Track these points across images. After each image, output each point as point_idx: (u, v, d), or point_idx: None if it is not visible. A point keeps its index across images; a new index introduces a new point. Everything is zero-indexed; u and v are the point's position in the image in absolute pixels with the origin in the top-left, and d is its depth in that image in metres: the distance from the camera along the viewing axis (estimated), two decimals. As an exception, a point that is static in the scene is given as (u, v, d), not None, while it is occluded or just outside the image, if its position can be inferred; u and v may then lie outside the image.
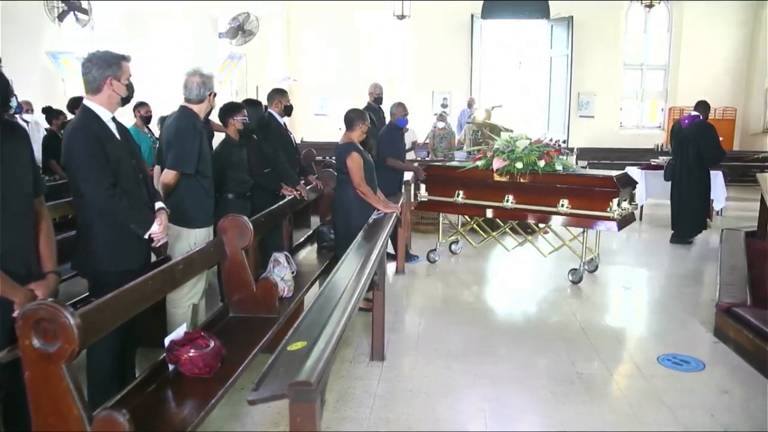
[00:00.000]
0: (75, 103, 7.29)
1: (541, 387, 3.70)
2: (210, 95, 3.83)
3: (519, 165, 5.71)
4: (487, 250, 7.05)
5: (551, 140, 5.97)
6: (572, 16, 13.67)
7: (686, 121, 7.57)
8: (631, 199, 5.86)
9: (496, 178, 5.90)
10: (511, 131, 7.46)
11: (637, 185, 6.66)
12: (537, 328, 4.74)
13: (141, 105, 7.12)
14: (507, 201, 5.86)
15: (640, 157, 12.73)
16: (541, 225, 6.19)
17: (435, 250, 6.67)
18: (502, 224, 6.70)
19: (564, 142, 5.93)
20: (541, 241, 6.46)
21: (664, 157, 11.00)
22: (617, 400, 3.55)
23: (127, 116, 5.63)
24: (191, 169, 3.70)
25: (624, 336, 4.63)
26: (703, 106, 7.60)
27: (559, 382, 3.75)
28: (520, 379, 3.81)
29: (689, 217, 7.50)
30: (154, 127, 7.42)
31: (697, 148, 7.39)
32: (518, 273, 6.39)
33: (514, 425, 3.32)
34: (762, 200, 7.00)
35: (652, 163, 10.12)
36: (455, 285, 5.92)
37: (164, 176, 3.69)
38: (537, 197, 5.73)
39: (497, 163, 5.84)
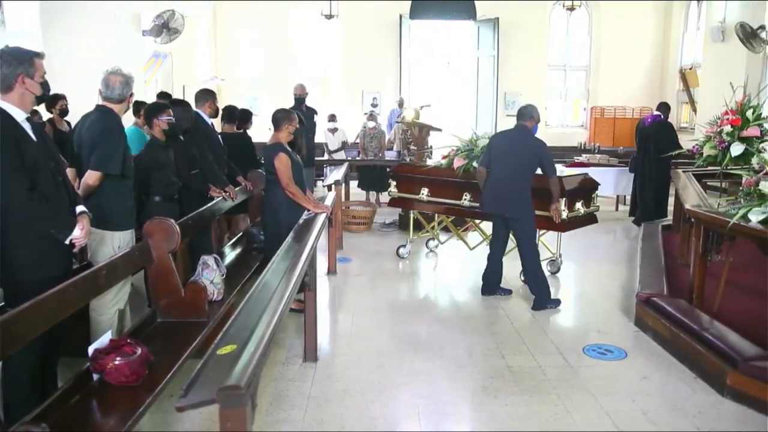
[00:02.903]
0: (51, 101, 6.98)
1: (473, 381, 3.78)
2: (130, 96, 3.72)
3: (476, 164, 5.82)
4: (444, 248, 7.15)
5: None
6: (498, 18, 13.96)
7: (649, 120, 8.49)
8: (590, 201, 5.79)
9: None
10: (440, 130, 7.59)
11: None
12: (468, 323, 4.83)
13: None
14: (465, 199, 6.00)
15: (565, 154, 13.15)
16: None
17: (405, 246, 6.80)
18: (469, 221, 6.80)
19: None
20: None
21: (587, 155, 11.43)
22: (545, 391, 3.66)
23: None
24: (117, 170, 3.58)
25: (552, 328, 4.77)
26: (664, 106, 8.54)
27: (490, 376, 3.84)
28: (453, 374, 3.88)
29: (650, 203, 8.34)
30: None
31: (657, 144, 8.08)
32: (458, 271, 6.49)
33: (447, 420, 3.38)
34: (676, 195, 7.37)
35: (576, 161, 10.47)
36: (388, 284, 5.96)
37: (87, 177, 3.55)
38: None
39: (457, 162, 6.03)
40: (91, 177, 3.54)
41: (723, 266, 4.60)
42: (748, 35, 11.13)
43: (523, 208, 5.10)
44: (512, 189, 5.06)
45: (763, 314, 4.39)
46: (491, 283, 5.45)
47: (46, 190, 2.89)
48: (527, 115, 5.18)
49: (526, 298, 5.46)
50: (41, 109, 6.82)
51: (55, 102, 7.07)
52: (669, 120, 8.57)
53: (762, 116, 5.19)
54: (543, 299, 5.15)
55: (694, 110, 13.71)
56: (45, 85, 2.94)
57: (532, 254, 5.19)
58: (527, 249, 5.18)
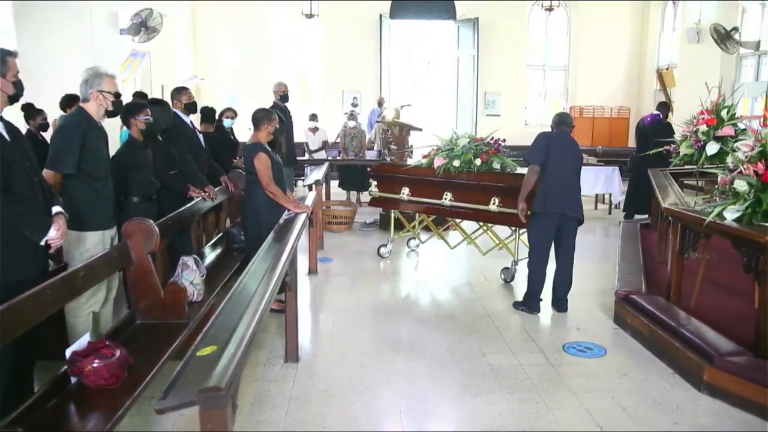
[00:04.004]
0: (68, 101, 6.81)
1: (454, 380, 3.78)
2: (98, 93, 3.56)
3: (456, 163, 5.88)
4: (425, 247, 7.19)
5: (492, 139, 6.06)
6: (478, 18, 14.03)
7: (648, 119, 8.82)
8: None
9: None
10: (420, 130, 7.60)
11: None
12: (450, 323, 4.84)
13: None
14: (446, 198, 6.02)
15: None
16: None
17: (386, 245, 6.83)
18: (450, 221, 6.81)
19: (503, 140, 6.05)
20: (484, 239, 6.54)
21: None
22: (526, 389, 3.68)
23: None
24: (70, 169, 3.48)
25: (532, 327, 4.80)
26: (663, 106, 8.98)
27: (471, 374, 3.85)
28: (434, 373, 3.89)
29: (644, 199, 8.49)
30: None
31: (656, 143, 8.12)
32: (439, 270, 6.50)
33: (429, 420, 3.38)
34: (654, 194, 7.45)
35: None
36: (369, 284, 5.96)
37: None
38: (472, 195, 5.85)
39: (437, 162, 6.07)
40: (45, 176, 3.49)
41: (699, 263, 4.67)
42: (722, 37, 11.30)
43: (582, 209, 5.05)
44: (576, 189, 5.02)
45: (738, 310, 4.47)
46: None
47: (20, 191, 2.84)
48: (569, 124, 5.24)
49: (507, 297, 5.49)
50: (48, 109, 6.68)
51: (72, 103, 6.82)
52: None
53: (736, 116, 5.27)
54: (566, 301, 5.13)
55: (671, 110, 13.88)
56: (18, 85, 2.89)
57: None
58: (574, 251, 5.11)
